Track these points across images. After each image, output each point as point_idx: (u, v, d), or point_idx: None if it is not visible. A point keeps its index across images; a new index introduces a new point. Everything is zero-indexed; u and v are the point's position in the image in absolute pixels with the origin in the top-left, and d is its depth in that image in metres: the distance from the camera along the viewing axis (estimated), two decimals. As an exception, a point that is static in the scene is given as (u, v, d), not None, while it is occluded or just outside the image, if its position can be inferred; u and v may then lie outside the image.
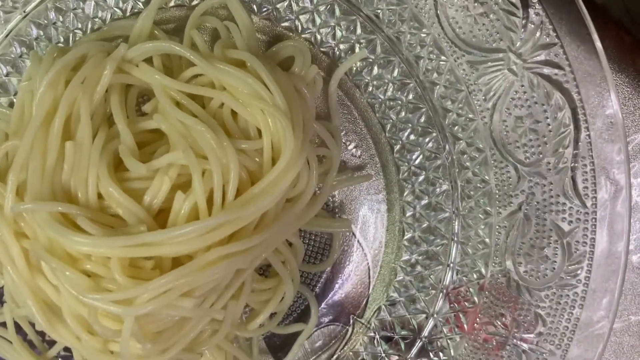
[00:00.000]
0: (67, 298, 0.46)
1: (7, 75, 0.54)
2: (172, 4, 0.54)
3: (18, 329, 0.51)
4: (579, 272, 0.50)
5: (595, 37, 0.48)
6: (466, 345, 0.53)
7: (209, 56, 0.49)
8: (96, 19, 0.54)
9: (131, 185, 0.47)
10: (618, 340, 0.60)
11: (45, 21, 0.53)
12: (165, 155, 0.47)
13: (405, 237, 0.55)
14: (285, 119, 0.46)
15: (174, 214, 0.46)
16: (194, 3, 0.54)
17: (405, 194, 0.55)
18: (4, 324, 0.51)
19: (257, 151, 0.48)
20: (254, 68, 0.48)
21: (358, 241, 0.56)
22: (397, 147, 0.55)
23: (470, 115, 0.52)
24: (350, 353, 0.56)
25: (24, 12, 0.53)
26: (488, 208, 0.52)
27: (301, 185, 0.50)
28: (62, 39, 0.54)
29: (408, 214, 0.55)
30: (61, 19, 0.53)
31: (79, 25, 0.54)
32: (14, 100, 0.53)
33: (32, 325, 0.51)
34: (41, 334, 0.52)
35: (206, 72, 0.48)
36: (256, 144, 0.48)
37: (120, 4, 0.54)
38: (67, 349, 0.52)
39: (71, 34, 0.54)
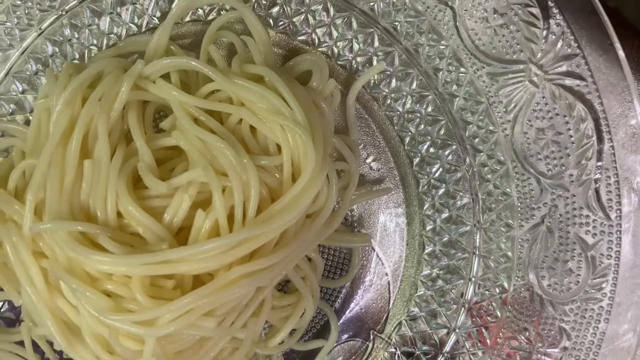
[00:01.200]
0: (87, 318, 0.45)
1: (22, 92, 0.54)
2: (187, 18, 0.54)
3: (35, 347, 0.50)
4: (604, 285, 0.49)
5: (618, 46, 0.47)
6: (489, 360, 0.53)
7: (226, 71, 0.49)
8: (111, 35, 0.54)
9: (151, 204, 0.47)
10: (643, 353, 0.59)
11: (61, 38, 0.53)
12: (185, 173, 0.46)
13: (426, 251, 0.55)
14: (305, 134, 0.46)
15: (195, 231, 0.46)
16: (209, 18, 0.54)
17: (425, 207, 0.55)
18: (21, 343, 0.51)
19: (276, 167, 0.48)
20: (273, 83, 0.47)
21: (377, 255, 0.55)
22: (417, 160, 0.54)
23: (491, 127, 0.51)
24: (371, 369, 0.55)
25: (40, 29, 0.53)
26: (510, 221, 0.52)
27: (321, 201, 0.49)
28: (77, 56, 0.54)
29: (428, 227, 0.55)
30: (76, 35, 0.53)
31: (94, 42, 0.54)
32: (30, 117, 0.53)
33: (50, 344, 0.51)
34: (59, 352, 0.51)
35: (224, 88, 0.48)
36: (276, 160, 0.47)
37: (136, 20, 0.53)
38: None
39: (86, 50, 0.54)
